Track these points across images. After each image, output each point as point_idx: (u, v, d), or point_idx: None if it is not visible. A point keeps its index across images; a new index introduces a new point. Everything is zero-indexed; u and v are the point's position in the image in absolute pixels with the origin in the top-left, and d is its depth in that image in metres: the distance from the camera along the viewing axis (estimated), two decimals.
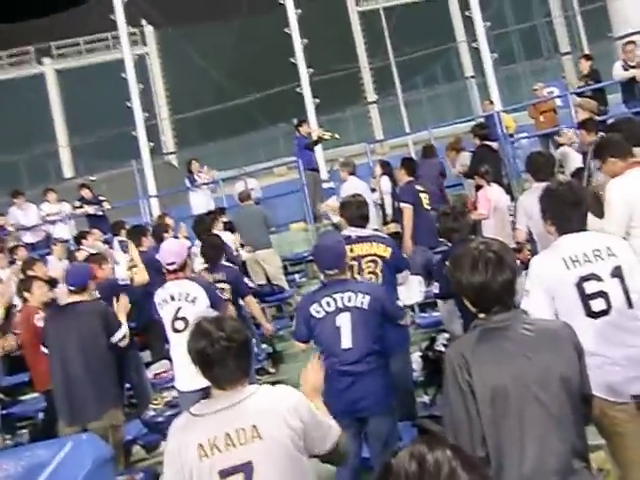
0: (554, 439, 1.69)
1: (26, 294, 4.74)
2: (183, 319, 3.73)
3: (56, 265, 6.74)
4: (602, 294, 2.27)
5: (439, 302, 3.76)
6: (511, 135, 8.78)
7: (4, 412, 5.07)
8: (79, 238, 7.30)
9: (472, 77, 15.86)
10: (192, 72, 15.39)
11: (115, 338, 3.82)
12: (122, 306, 4.04)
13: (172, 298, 3.81)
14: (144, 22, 15.95)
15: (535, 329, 1.76)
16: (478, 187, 5.96)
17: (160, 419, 4.03)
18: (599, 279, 2.27)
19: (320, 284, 3.27)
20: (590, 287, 2.28)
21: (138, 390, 4.72)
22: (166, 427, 3.64)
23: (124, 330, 3.87)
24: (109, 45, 15.66)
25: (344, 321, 2.92)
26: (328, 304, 2.94)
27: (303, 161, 8.43)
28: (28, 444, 4.37)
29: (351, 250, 3.53)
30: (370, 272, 3.53)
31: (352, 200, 3.80)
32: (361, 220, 3.66)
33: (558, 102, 9.23)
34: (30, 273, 5.49)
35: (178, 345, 3.71)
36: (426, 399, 4.04)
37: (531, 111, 9.03)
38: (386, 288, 3.52)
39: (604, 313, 2.27)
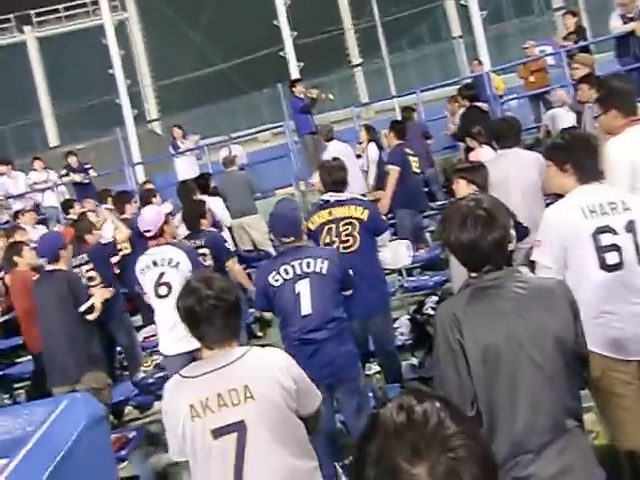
0: (547, 398, 1.66)
1: (17, 258, 4.85)
2: (166, 284, 3.79)
3: (32, 232, 6.84)
4: (616, 248, 2.22)
5: (451, 258, 3.81)
6: (500, 96, 8.52)
7: (1, 373, 5.25)
8: (66, 207, 7.36)
9: (460, 37, 15.53)
10: (174, 37, 15.01)
11: (81, 309, 3.96)
12: (99, 292, 4.18)
13: (155, 264, 3.85)
14: None
15: (529, 287, 1.71)
16: (469, 149, 5.79)
17: (150, 381, 4.16)
18: (614, 232, 2.21)
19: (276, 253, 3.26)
20: (605, 239, 2.21)
21: (129, 353, 4.87)
22: (156, 389, 3.81)
23: (91, 302, 3.99)
24: (89, 11, 15.27)
25: (303, 287, 2.90)
26: (286, 271, 2.93)
27: (300, 125, 8.19)
28: (25, 403, 4.57)
29: (329, 213, 3.60)
30: (347, 235, 3.54)
31: (327, 165, 3.82)
32: (337, 185, 3.66)
33: (549, 61, 8.97)
34: (16, 238, 5.60)
35: (162, 310, 3.82)
36: (415, 361, 4.09)
37: (521, 71, 8.76)
38: (365, 250, 3.62)
39: (617, 267, 2.22)
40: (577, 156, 2.35)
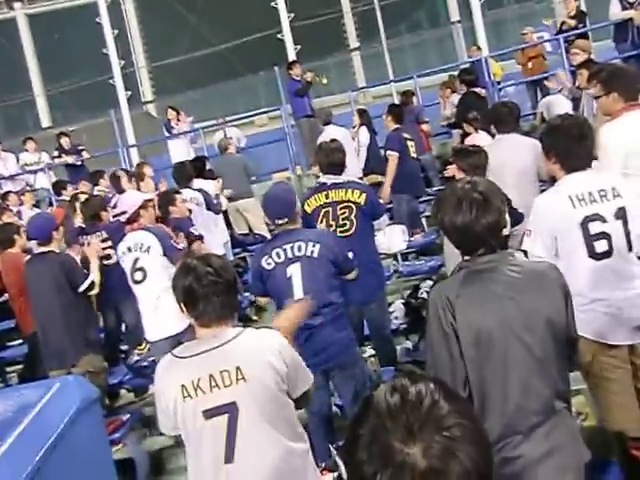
0: (537, 381, 1.68)
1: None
2: (141, 269, 3.80)
3: (29, 214, 6.76)
4: (605, 235, 2.22)
5: (445, 241, 3.78)
6: (498, 82, 8.54)
7: None
8: (58, 188, 7.28)
9: (458, 22, 15.46)
10: (169, 18, 14.76)
11: (81, 288, 3.91)
12: (92, 250, 4.12)
13: (129, 249, 3.87)
14: None
15: (522, 271, 1.72)
16: (465, 135, 5.76)
17: (144, 364, 4.17)
18: (603, 220, 2.22)
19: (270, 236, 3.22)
20: (594, 228, 2.22)
21: (133, 332, 4.83)
22: (150, 372, 3.80)
23: (90, 279, 3.95)
24: None
25: (295, 271, 2.88)
26: (278, 255, 2.91)
27: (296, 107, 8.13)
28: (17, 386, 4.55)
29: (326, 196, 3.57)
30: (344, 218, 3.52)
31: (324, 147, 3.78)
32: (333, 167, 3.63)
33: (547, 47, 8.92)
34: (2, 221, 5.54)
35: (140, 296, 3.85)
36: (409, 345, 4.10)
37: (519, 57, 8.76)
38: (362, 235, 3.60)
39: (606, 255, 2.23)
40: (560, 144, 2.32)
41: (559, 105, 6.12)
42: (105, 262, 4.44)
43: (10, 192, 7.71)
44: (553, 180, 2.49)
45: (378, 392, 0.81)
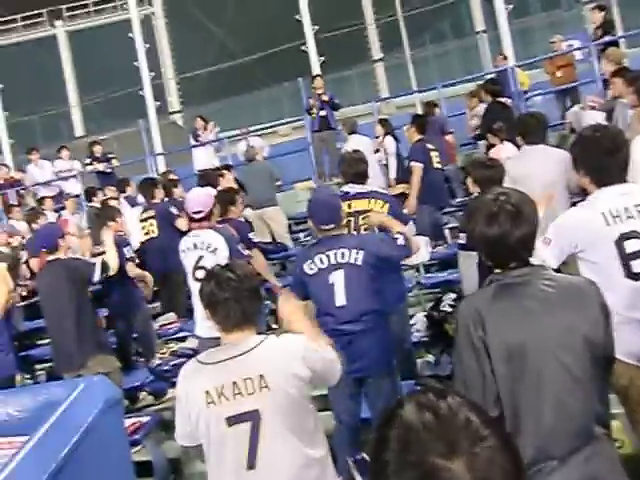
0: (574, 403, 1.58)
1: None
2: (203, 268, 3.75)
3: (70, 219, 6.99)
4: None
5: (460, 255, 3.61)
6: (525, 92, 8.32)
7: (23, 354, 5.40)
8: (89, 194, 7.50)
9: (483, 32, 15.21)
10: (197, 31, 15.10)
11: (96, 278, 3.98)
12: (109, 232, 4.16)
13: (195, 246, 3.85)
14: None
15: (557, 285, 1.63)
16: (490, 146, 5.68)
17: (165, 368, 4.22)
18: None
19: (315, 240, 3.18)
20: (631, 246, 2.10)
21: (144, 339, 4.94)
22: (170, 376, 3.85)
23: (98, 267, 3.99)
24: (116, 6, 15.51)
25: (337, 278, 2.85)
26: (321, 261, 2.89)
27: (309, 122, 8.33)
28: (45, 383, 4.69)
29: (349, 206, 3.52)
30: (366, 229, 3.46)
31: (347, 157, 3.79)
32: (357, 176, 3.62)
33: (578, 56, 8.65)
34: (34, 226, 5.73)
35: (198, 293, 3.83)
36: (430, 359, 4.03)
37: (547, 66, 8.53)
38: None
39: None
40: (590, 156, 2.22)
41: (589, 115, 5.87)
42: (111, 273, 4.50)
43: (46, 197, 7.97)
44: (585, 193, 2.39)
45: (405, 410, 0.78)
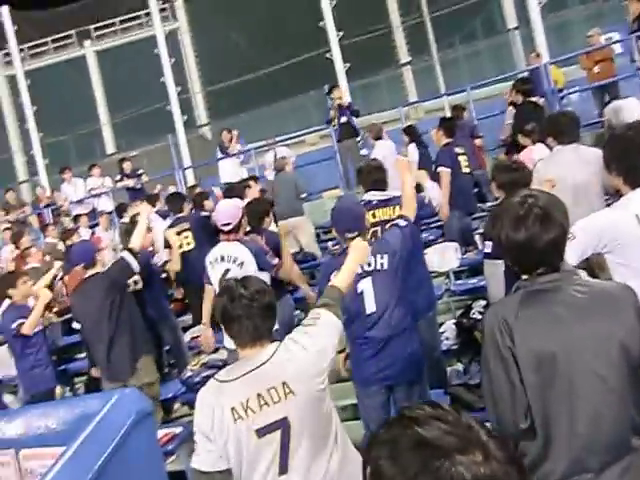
0: (610, 413, 1.52)
1: None
2: None
3: (103, 235, 7.18)
4: None
5: (486, 263, 3.54)
6: (560, 90, 7.99)
7: (62, 368, 5.57)
8: (120, 211, 7.69)
9: (516, 28, 14.66)
10: (221, 43, 15.37)
11: (135, 267, 4.03)
12: (144, 212, 4.23)
13: (222, 259, 3.87)
14: None
15: (589, 291, 1.57)
16: (521, 148, 5.47)
17: (196, 379, 4.27)
18: None
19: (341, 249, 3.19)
20: None
21: (175, 352, 5.02)
22: (201, 387, 3.90)
23: (127, 254, 4.01)
24: (142, 23, 15.89)
25: (366, 286, 2.85)
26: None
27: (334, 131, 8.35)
28: (83, 395, 4.82)
29: (373, 215, 3.53)
30: (392, 227, 3.37)
31: (365, 166, 3.80)
32: (376, 184, 3.62)
33: (617, 49, 8.26)
34: (68, 243, 5.91)
35: None
36: (460, 367, 3.92)
37: (583, 61, 8.11)
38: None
39: None
40: (621, 155, 2.18)
41: (629, 111, 5.49)
42: (136, 287, 4.58)
43: (81, 215, 8.21)
44: (619, 194, 2.32)
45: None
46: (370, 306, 2.85)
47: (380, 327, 2.83)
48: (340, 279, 2.19)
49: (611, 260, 2.20)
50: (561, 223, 1.59)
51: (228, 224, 3.85)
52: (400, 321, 2.87)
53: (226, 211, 3.95)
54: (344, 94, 8.75)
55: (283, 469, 1.88)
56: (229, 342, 3.77)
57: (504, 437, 0.81)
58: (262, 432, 1.87)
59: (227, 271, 3.82)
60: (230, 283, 2.03)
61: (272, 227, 5.63)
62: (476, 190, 6.65)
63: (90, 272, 4.13)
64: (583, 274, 2.18)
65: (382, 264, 2.88)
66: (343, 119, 8.30)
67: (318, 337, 1.97)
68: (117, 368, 4.03)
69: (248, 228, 4.56)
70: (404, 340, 2.87)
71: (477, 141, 7.30)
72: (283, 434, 1.86)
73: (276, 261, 4.01)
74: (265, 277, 3.78)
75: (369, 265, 2.87)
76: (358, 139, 8.36)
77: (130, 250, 4.08)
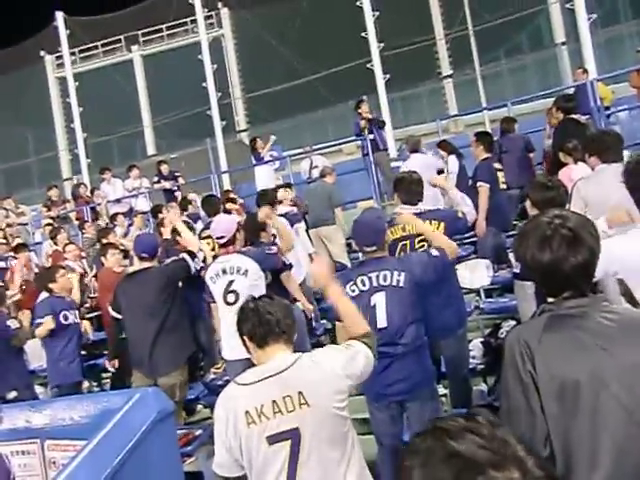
0: (634, 447, 1.42)
1: (103, 259, 5.26)
2: (234, 292, 3.86)
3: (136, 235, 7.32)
4: None
5: (516, 283, 3.50)
6: (607, 108, 7.71)
7: (91, 363, 5.68)
8: (155, 212, 7.84)
9: (563, 43, 14.32)
10: (264, 51, 15.59)
11: (193, 269, 4.10)
12: (175, 219, 4.29)
13: (224, 272, 3.93)
14: (220, 5, 16.39)
15: (618, 319, 1.50)
16: (561, 165, 5.19)
17: (219, 382, 4.28)
18: None
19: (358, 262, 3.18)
20: None
21: (207, 352, 5.05)
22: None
23: (187, 255, 4.12)
24: (188, 29, 16.29)
25: (379, 300, 2.84)
26: (363, 283, 2.87)
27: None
28: (109, 391, 4.92)
29: (403, 229, 3.46)
30: (423, 252, 3.31)
31: (401, 177, 3.75)
32: (410, 197, 3.57)
33: None
34: (104, 241, 6.06)
35: (227, 317, 3.83)
36: (484, 388, 3.88)
37: (634, 78, 7.82)
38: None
39: None
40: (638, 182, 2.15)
41: None
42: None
43: (118, 213, 8.41)
44: None
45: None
46: (381, 321, 2.83)
47: (391, 344, 2.81)
48: (351, 324, 2.17)
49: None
50: (591, 246, 1.52)
51: (222, 237, 3.96)
52: (413, 340, 2.84)
53: (219, 226, 4.08)
54: (366, 111, 8.65)
55: (291, 479, 1.87)
56: (228, 353, 3.86)
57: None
58: (272, 440, 1.86)
59: (231, 282, 3.88)
60: (251, 305, 2.07)
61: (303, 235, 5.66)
62: (522, 205, 6.47)
63: (146, 264, 4.17)
64: (621, 299, 2.11)
65: (398, 281, 2.86)
66: (370, 136, 8.31)
67: (347, 359, 1.97)
68: (156, 364, 4.04)
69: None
70: (415, 357, 2.85)
71: (532, 155, 7.03)
72: (293, 445, 1.85)
73: (275, 249, 4.06)
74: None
75: (384, 279, 2.86)
76: (388, 152, 8.32)
77: (190, 252, 4.20)
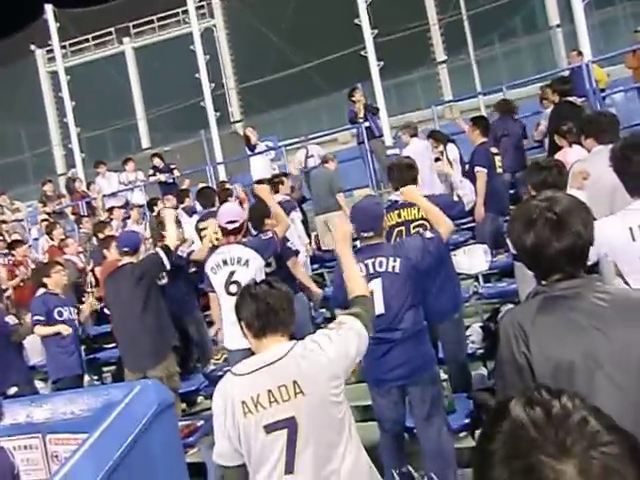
0: (631, 427, 1.39)
1: (105, 251, 5.24)
2: (236, 282, 3.83)
3: (133, 228, 7.29)
4: None
5: (516, 265, 3.51)
6: (602, 90, 7.61)
7: (91, 357, 5.69)
8: (151, 205, 7.82)
9: (558, 26, 14.21)
10: (257, 41, 15.47)
11: (167, 264, 4.08)
12: (171, 211, 4.28)
13: (225, 262, 3.91)
14: None
15: (611, 299, 1.49)
16: (556, 149, 5.20)
17: (219, 373, 4.27)
18: None
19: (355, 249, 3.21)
20: None
21: (200, 346, 5.06)
22: None
23: (161, 250, 4.10)
24: (179, 20, 16.13)
25: (376, 287, 2.83)
26: (359, 269, 2.78)
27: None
28: (110, 384, 4.93)
29: (399, 215, 3.49)
30: (417, 235, 3.25)
31: (395, 164, 3.72)
32: (402, 184, 3.48)
33: None
34: (100, 236, 6.04)
35: (230, 307, 3.88)
36: (484, 372, 3.89)
37: (629, 60, 7.80)
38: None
39: None
40: (624, 166, 2.19)
41: None
42: (160, 282, 4.59)
43: (115, 207, 8.37)
44: None
45: (512, 405, 0.74)
46: (379, 307, 2.83)
47: (390, 330, 2.82)
48: (353, 286, 2.20)
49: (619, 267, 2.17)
50: (577, 231, 1.49)
51: (234, 221, 3.90)
52: (412, 325, 2.85)
53: (231, 210, 4.04)
54: (365, 96, 8.59)
55: (289, 468, 1.88)
56: (230, 342, 3.85)
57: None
58: (269, 429, 1.87)
59: (232, 273, 3.86)
60: (252, 290, 2.07)
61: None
62: (513, 191, 6.47)
63: (125, 260, 4.19)
64: (618, 281, 2.13)
65: (394, 267, 2.87)
66: (365, 124, 8.26)
67: (339, 342, 1.96)
68: (140, 359, 4.08)
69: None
70: (414, 342, 2.86)
71: (525, 141, 7.03)
72: (290, 433, 1.86)
73: (270, 234, 4.00)
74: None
75: (380, 266, 2.87)
76: (384, 139, 8.27)
77: (165, 247, 4.16)
